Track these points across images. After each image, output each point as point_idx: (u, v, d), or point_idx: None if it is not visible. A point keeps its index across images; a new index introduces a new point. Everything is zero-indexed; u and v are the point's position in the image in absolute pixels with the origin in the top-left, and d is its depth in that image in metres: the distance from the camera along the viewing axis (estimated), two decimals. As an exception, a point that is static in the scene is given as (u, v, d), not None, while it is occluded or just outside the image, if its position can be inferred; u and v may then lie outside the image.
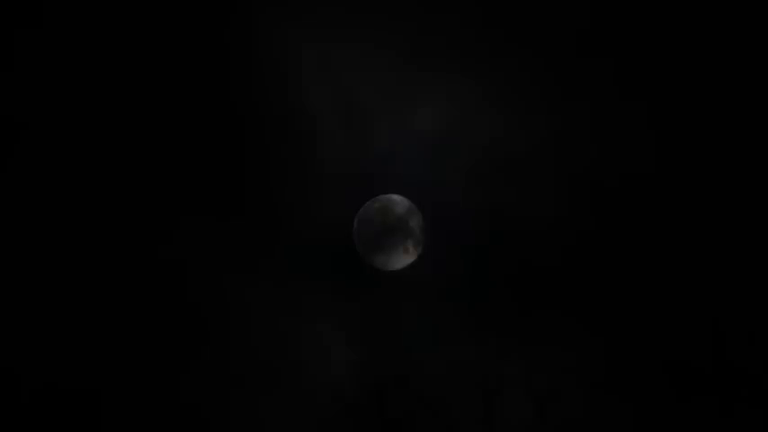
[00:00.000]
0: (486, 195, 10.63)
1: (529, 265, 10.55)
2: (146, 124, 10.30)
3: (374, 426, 10.37)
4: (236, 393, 10.26)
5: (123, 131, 10.25)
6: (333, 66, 10.51)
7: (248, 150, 10.57)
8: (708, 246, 10.40)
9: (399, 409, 10.43)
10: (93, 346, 10.01)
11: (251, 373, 10.32)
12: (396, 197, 10.87)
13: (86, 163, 10.21)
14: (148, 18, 10.27)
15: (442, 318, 10.59)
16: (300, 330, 10.48)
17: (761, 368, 10.16)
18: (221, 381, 10.27)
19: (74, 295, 10.07)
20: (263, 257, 10.55)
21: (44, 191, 10.15)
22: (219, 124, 10.52)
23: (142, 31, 10.25)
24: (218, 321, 10.37)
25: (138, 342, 10.17)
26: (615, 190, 10.59)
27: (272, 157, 10.64)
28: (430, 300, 10.67)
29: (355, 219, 10.83)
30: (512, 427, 10.39)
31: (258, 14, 10.39)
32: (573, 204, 10.51)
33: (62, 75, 10.16)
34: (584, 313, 10.46)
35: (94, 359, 9.97)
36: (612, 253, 10.55)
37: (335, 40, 10.46)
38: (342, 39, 10.46)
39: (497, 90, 10.49)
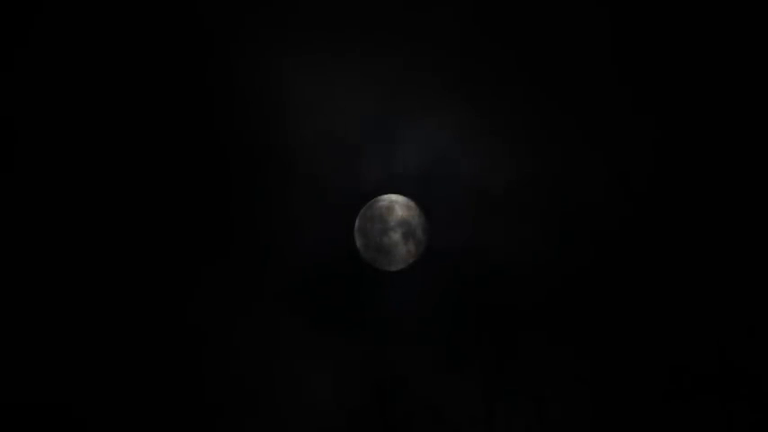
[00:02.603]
0: (487, 215, 10.65)
1: (530, 279, 10.56)
2: (133, 157, 10.38)
3: (374, 427, 10.40)
4: (237, 397, 10.33)
5: (101, 163, 10.34)
6: (326, 84, 10.54)
7: (241, 155, 10.63)
8: (707, 251, 10.36)
9: (399, 410, 10.45)
10: (89, 363, 10.15)
11: (251, 377, 10.38)
12: (398, 197, 10.85)
13: (80, 174, 10.32)
14: (135, 55, 10.35)
15: (441, 318, 10.61)
16: (300, 332, 10.52)
17: (761, 369, 10.11)
18: (222, 383, 10.34)
19: (63, 324, 10.20)
20: (263, 261, 10.61)
21: (35, 207, 10.27)
22: (216, 129, 10.59)
23: (128, 69, 10.34)
24: (219, 325, 10.44)
25: (141, 349, 10.29)
26: (615, 196, 10.59)
27: (269, 167, 10.70)
28: (430, 300, 10.68)
29: (357, 218, 10.83)
30: (512, 427, 10.39)
31: (244, 44, 10.44)
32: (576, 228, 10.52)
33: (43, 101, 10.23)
34: (585, 316, 10.44)
35: (90, 378, 10.11)
36: (613, 256, 10.51)
37: (322, 64, 10.48)
38: (331, 57, 10.48)
39: (490, 122, 10.50)
